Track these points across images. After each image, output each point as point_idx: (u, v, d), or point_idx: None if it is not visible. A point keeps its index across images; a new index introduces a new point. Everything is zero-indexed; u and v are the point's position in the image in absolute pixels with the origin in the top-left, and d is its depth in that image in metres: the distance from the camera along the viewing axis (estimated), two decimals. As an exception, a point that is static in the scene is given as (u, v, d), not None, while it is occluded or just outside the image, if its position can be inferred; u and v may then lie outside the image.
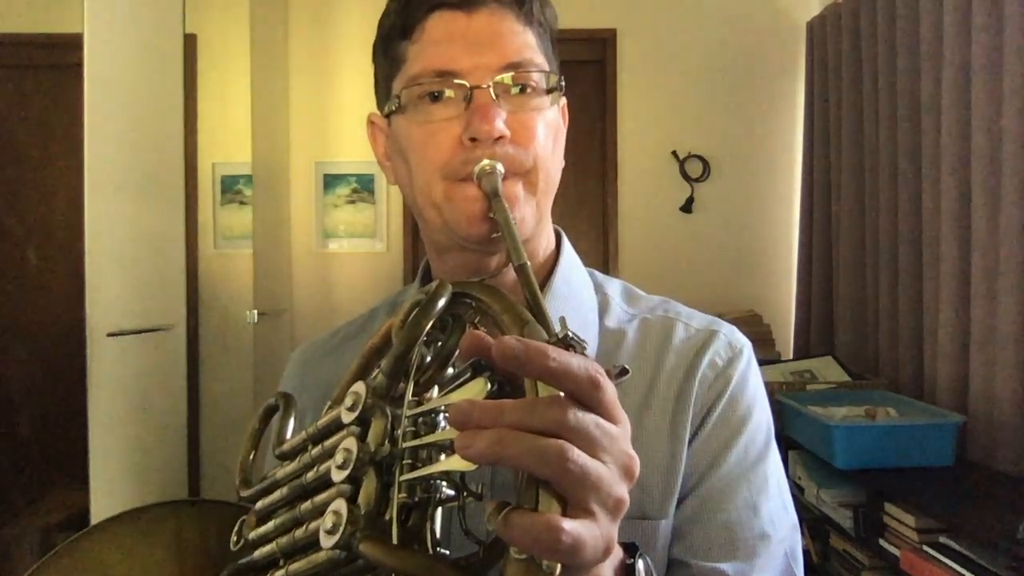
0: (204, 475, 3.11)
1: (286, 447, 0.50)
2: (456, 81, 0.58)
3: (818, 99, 2.96)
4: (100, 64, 2.06)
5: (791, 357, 2.96)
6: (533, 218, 0.62)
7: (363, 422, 0.42)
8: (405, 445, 0.40)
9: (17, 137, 3.04)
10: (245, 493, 0.52)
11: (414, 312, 0.45)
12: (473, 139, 0.57)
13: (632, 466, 0.38)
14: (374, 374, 0.45)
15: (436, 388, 0.45)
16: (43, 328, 2.98)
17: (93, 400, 2.02)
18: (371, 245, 3.19)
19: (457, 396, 0.40)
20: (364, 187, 3.19)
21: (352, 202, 3.19)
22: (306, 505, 0.44)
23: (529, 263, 0.49)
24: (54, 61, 2.91)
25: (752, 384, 0.66)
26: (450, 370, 0.46)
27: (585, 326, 0.66)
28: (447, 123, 0.59)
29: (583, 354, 0.39)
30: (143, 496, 2.17)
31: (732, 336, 0.68)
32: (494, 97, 0.58)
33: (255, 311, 2.69)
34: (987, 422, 1.88)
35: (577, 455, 0.35)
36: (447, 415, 0.41)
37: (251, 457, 0.55)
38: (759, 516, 0.61)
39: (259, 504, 0.49)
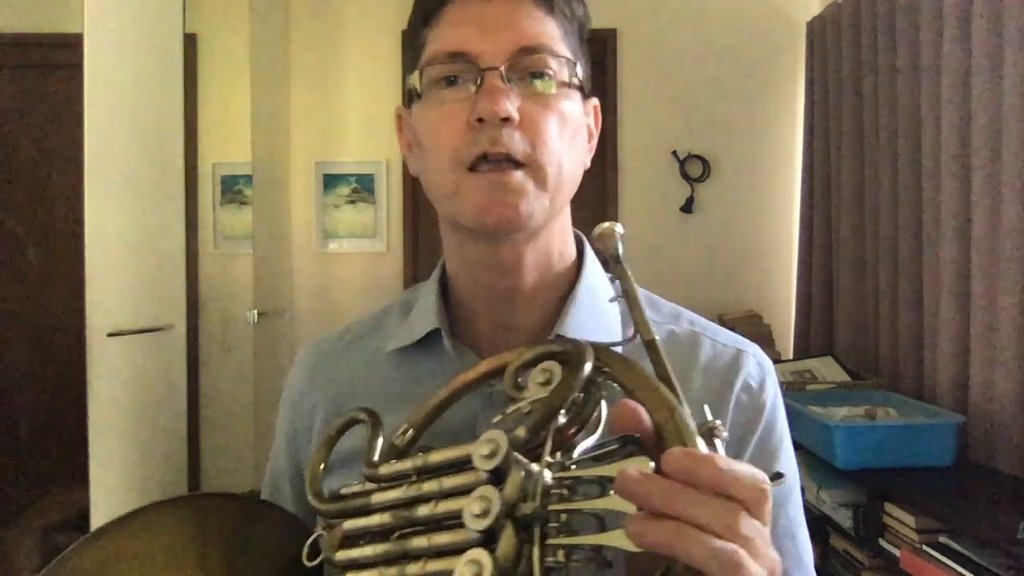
0: (204, 475, 3.11)
1: (383, 471, 0.49)
2: (468, 64, 0.57)
3: (818, 99, 2.96)
4: (100, 64, 2.06)
5: (791, 357, 2.96)
6: (542, 215, 0.58)
7: (499, 472, 0.41)
8: (554, 507, 0.40)
9: (17, 137, 3.04)
10: (324, 507, 0.50)
11: (552, 371, 0.45)
12: (480, 120, 0.55)
13: (777, 571, 0.39)
14: (503, 422, 0.44)
15: (559, 451, 0.45)
16: (43, 328, 2.99)
17: (93, 400, 2.02)
18: (371, 245, 3.19)
19: (615, 471, 0.40)
20: (364, 187, 3.19)
21: (352, 202, 3.19)
22: (420, 541, 0.43)
23: (658, 338, 0.48)
24: (54, 61, 2.91)
25: (781, 407, 0.65)
26: (590, 437, 0.45)
27: (610, 337, 0.64)
28: (457, 106, 0.57)
29: (723, 439, 0.42)
30: (143, 496, 2.17)
31: (759, 356, 0.67)
32: (506, 80, 0.56)
33: (255, 311, 2.69)
34: (987, 422, 1.88)
35: (751, 566, 0.36)
36: (608, 485, 0.41)
37: (322, 467, 0.54)
38: (796, 544, 0.62)
39: (348, 524, 0.48)
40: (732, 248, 3.16)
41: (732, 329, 0.71)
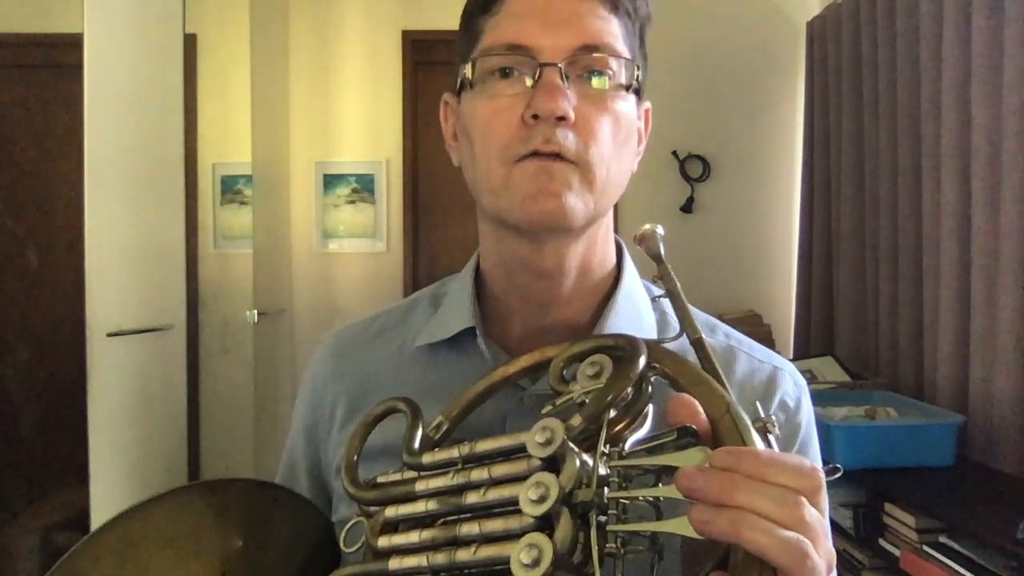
0: (204, 475, 3.11)
1: (426, 459, 0.48)
2: (527, 57, 0.55)
3: (818, 99, 2.96)
4: (100, 64, 2.06)
5: (791, 357, 2.96)
6: (584, 214, 0.56)
7: (554, 460, 0.41)
8: (612, 495, 0.40)
9: (17, 137, 3.04)
10: (363, 494, 0.50)
11: (601, 364, 0.46)
12: (535, 116, 0.53)
13: (833, 563, 0.39)
14: (573, 418, 0.44)
15: (627, 443, 0.45)
16: (43, 328, 2.99)
17: (93, 400, 2.02)
18: (371, 245, 3.19)
19: (673, 460, 0.40)
20: (364, 187, 3.19)
21: (352, 202, 3.19)
22: (471, 527, 0.43)
23: (704, 337, 0.49)
24: (54, 61, 2.91)
25: (815, 426, 0.65)
26: (639, 432, 0.46)
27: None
28: (512, 100, 0.55)
29: (776, 435, 0.42)
30: (143, 496, 2.17)
31: (795, 374, 0.65)
32: (564, 78, 0.54)
33: (255, 311, 2.69)
34: (987, 422, 1.88)
35: (815, 555, 0.36)
36: (664, 476, 0.41)
37: (356, 456, 0.53)
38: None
39: (391, 511, 0.48)
40: (732, 248, 3.16)
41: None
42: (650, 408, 0.46)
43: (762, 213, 3.19)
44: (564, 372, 0.49)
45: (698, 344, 0.48)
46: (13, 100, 3.05)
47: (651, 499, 0.40)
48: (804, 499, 0.37)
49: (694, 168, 3.14)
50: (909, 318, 2.28)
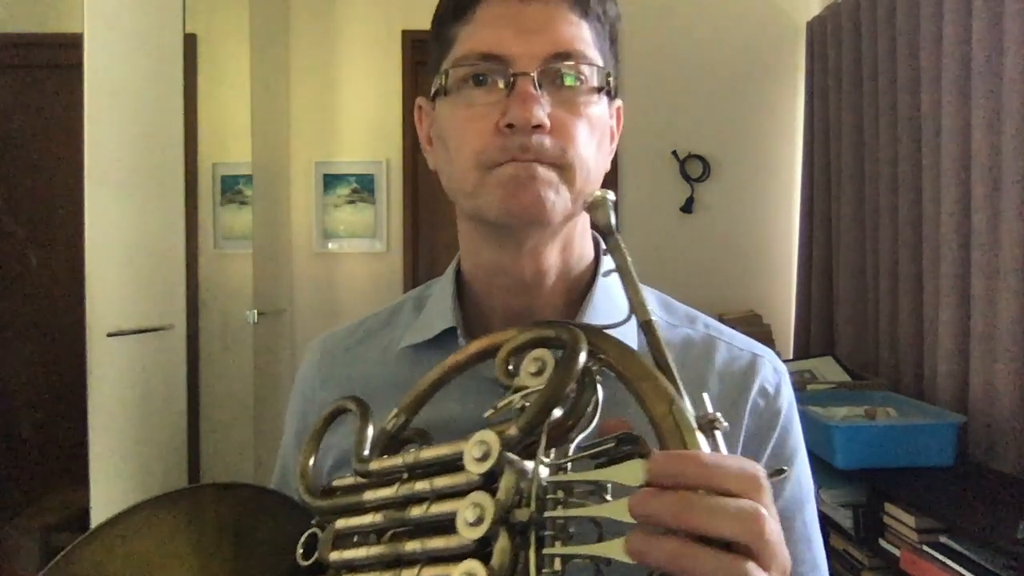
0: (204, 475, 3.11)
1: (373, 466, 0.47)
2: (501, 66, 0.56)
3: (818, 99, 2.96)
4: (100, 64, 2.06)
5: (791, 357, 2.96)
6: (563, 208, 0.58)
7: (492, 475, 0.40)
8: (549, 514, 0.38)
9: (17, 137, 3.04)
10: (316, 503, 0.49)
11: (542, 360, 0.44)
12: (510, 125, 0.55)
13: (788, 568, 0.37)
14: (507, 427, 0.42)
15: (554, 447, 0.43)
16: (43, 328, 2.99)
17: (93, 400, 2.02)
18: (371, 245, 3.19)
19: (611, 475, 0.38)
20: (364, 187, 3.18)
21: (352, 202, 3.19)
22: (414, 545, 0.42)
23: (654, 319, 0.46)
24: (54, 61, 2.91)
25: (795, 411, 0.65)
26: (589, 427, 0.44)
27: (625, 340, 0.64)
28: (487, 108, 0.56)
29: (724, 429, 0.40)
30: (143, 496, 2.17)
31: (775, 361, 0.66)
32: (538, 86, 0.55)
33: (255, 311, 2.69)
34: (987, 422, 1.88)
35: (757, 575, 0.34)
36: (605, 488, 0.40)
37: (311, 462, 0.52)
38: (812, 548, 0.62)
39: (341, 523, 0.47)
40: (732, 248, 3.16)
41: (733, 329, 0.71)
42: (599, 396, 0.44)
43: (762, 213, 3.19)
44: (510, 365, 0.47)
45: (647, 327, 0.45)
46: (13, 100, 3.05)
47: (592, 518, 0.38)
48: (764, 513, 0.35)
49: (694, 168, 3.14)
50: (909, 318, 2.28)
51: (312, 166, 3.18)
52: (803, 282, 3.05)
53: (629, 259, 0.49)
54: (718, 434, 0.40)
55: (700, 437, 0.39)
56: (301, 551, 0.48)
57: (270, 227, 2.93)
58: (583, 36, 0.58)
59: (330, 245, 3.20)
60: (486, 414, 0.45)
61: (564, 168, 0.57)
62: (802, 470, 0.63)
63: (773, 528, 0.35)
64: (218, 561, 0.50)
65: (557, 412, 0.43)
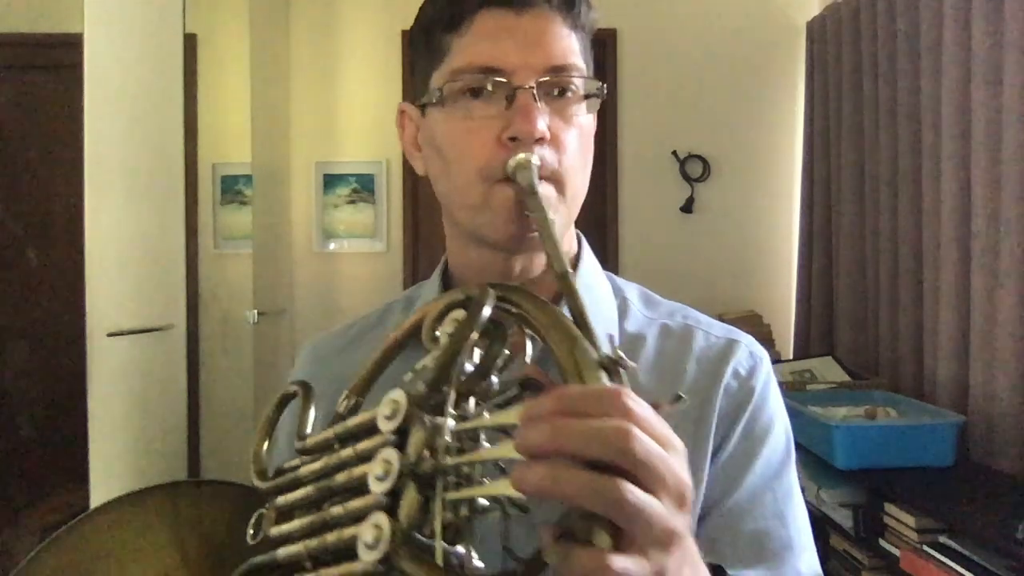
0: (204, 475, 3.11)
1: (309, 442, 0.49)
2: (500, 79, 0.57)
3: (818, 99, 2.96)
4: (100, 64, 2.06)
5: (791, 357, 2.96)
6: (562, 224, 0.60)
7: (402, 432, 0.41)
8: (450, 461, 0.40)
9: (17, 137, 3.03)
10: (264, 485, 0.51)
11: (459, 321, 0.44)
12: (513, 139, 0.56)
13: (686, 494, 0.38)
14: (412, 380, 0.43)
15: (474, 399, 0.44)
16: (43, 328, 2.98)
17: (93, 400, 2.02)
18: (371, 245, 3.19)
19: (499, 419, 0.39)
20: (364, 187, 3.19)
21: (352, 202, 3.19)
22: (337, 510, 0.43)
23: (571, 271, 0.48)
24: (54, 61, 2.91)
25: (773, 393, 0.66)
26: (493, 379, 0.45)
27: (606, 329, 0.66)
28: (487, 121, 0.58)
29: (630, 368, 0.41)
30: (143, 496, 2.17)
31: (752, 346, 0.68)
32: (536, 99, 0.57)
33: (255, 311, 2.69)
34: (987, 422, 1.88)
35: (634, 495, 0.34)
36: (502, 434, 0.40)
37: (265, 446, 0.54)
38: (785, 525, 0.61)
39: (280, 500, 0.48)
40: (732, 248, 3.16)
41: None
42: (529, 349, 0.45)
43: (762, 213, 3.19)
44: (436, 332, 0.49)
45: (562, 278, 0.48)
46: (13, 100, 3.05)
47: (489, 460, 0.39)
48: (632, 430, 0.35)
49: (694, 168, 3.14)
50: (909, 318, 2.28)
51: (312, 166, 3.18)
52: (803, 282, 3.05)
53: (550, 217, 0.51)
54: (623, 374, 0.41)
55: (602, 375, 0.40)
56: (251, 532, 0.49)
57: (270, 227, 2.93)
58: (574, 48, 0.60)
59: (330, 245, 3.20)
60: (405, 377, 0.46)
61: (559, 181, 0.59)
62: (774, 447, 0.64)
63: (648, 448, 0.35)
64: (194, 554, 0.50)
65: (469, 367, 0.44)
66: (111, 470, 2.09)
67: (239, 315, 2.86)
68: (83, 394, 2.01)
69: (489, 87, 0.58)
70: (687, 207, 3.14)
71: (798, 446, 2.28)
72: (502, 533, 0.41)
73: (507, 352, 0.45)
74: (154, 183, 2.35)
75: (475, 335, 0.43)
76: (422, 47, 0.63)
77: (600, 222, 3.12)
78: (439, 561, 0.37)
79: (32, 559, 0.47)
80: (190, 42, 2.90)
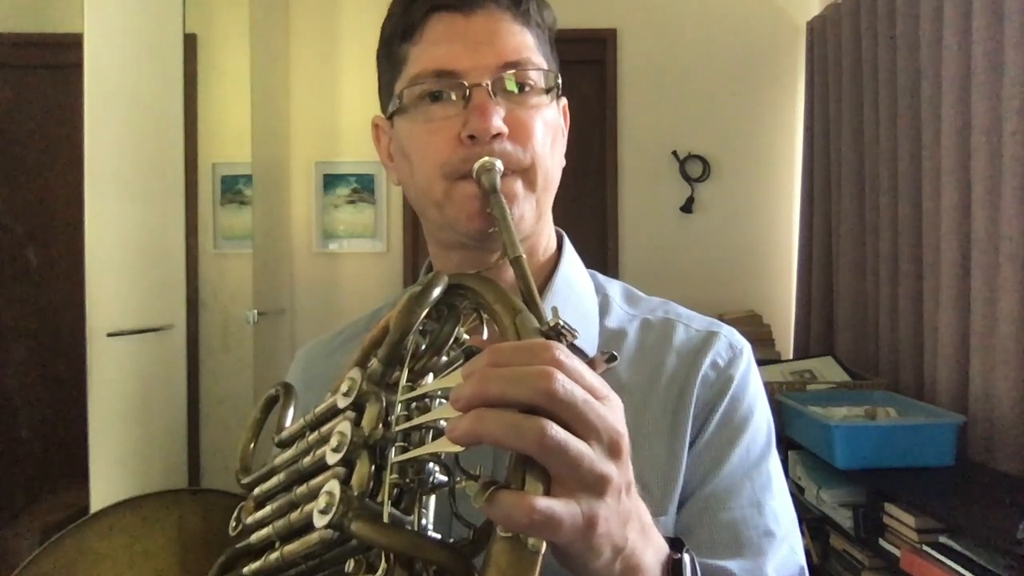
0: (204, 475, 3.11)
1: (285, 435, 0.51)
2: (455, 81, 0.59)
3: (818, 99, 2.96)
4: (100, 64, 2.06)
5: (791, 357, 2.96)
6: (532, 215, 0.62)
7: (358, 407, 0.43)
8: (398, 428, 0.42)
9: (17, 137, 3.04)
10: (245, 480, 0.53)
11: (409, 301, 0.46)
12: (471, 136, 0.58)
13: (620, 442, 0.38)
14: (370, 361, 0.46)
15: (431, 375, 0.47)
16: (43, 328, 2.98)
17: (93, 400, 2.02)
18: (371, 245, 3.19)
19: (441, 383, 0.42)
20: (364, 187, 3.19)
21: (352, 202, 3.19)
22: (302, 489, 0.45)
23: (524, 256, 0.50)
24: (54, 61, 2.91)
25: (753, 384, 0.67)
26: (445, 358, 0.47)
27: (586, 326, 0.67)
28: (446, 122, 0.59)
29: (572, 342, 0.42)
30: (143, 496, 2.17)
31: (732, 337, 0.69)
32: (492, 95, 0.59)
33: (255, 311, 2.69)
34: (987, 422, 1.88)
35: (555, 431, 0.35)
36: (442, 399, 0.42)
37: (251, 446, 0.56)
38: (763, 514, 0.61)
39: (257, 490, 0.50)
40: (732, 248, 3.16)
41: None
42: (485, 332, 0.48)
43: (762, 213, 3.19)
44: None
45: (516, 263, 0.50)
46: (13, 100, 3.05)
47: (435, 424, 0.41)
48: (554, 372, 0.36)
49: (694, 168, 3.14)
50: (909, 318, 2.28)
51: (312, 166, 3.18)
52: (803, 282, 3.05)
53: (508, 212, 0.54)
54: (564, 341, 0.42)
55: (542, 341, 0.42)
56: (232, 524, 0.51)
57: (270, 227, 2.93)
58: (527, 43, 0.62)
59: (330, 245, 3.20)
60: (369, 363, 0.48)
61: (527, 170, 0.60)
62: (753, 436, 0.64)
63: (571, 390, 0.36)
64: (189, 560, 0.52)
65: (424, 346, 0.47)
66: (111, 470, 2.09)
67: (239, 315, 2.86)
68: (83, 394, 2.01)
69: (445, 89, 0.60)
70: (687, 207, 3.14)
71: (798, 446, 2.27)
72: (451, 503, 0.42)
73: (463, 332, 0.48)
74: (154, 183, 2.36)
75: (423, 312, 0.45)
76: (385, 61, 0.66)
77: (600, 222, 3.12)
78: (386, 520, 0.39)
79: (30, 563, 0.47)
80: (190, 42, 2.90)
